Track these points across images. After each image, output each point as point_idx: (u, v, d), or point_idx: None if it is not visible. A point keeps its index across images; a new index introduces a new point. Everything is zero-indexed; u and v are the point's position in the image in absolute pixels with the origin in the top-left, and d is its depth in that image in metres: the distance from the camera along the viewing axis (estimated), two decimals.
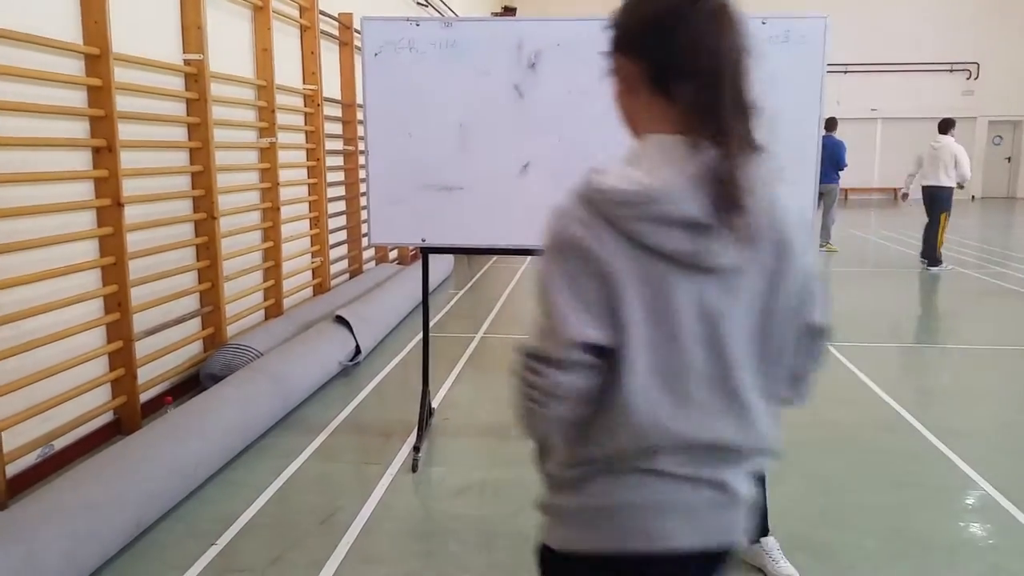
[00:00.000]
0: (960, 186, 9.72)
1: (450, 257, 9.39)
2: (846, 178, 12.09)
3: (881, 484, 3.67)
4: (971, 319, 7.51)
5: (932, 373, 5.59)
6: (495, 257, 10.71)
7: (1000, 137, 21.61)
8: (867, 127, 21.29)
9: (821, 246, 11.43)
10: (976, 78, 21.20)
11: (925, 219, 9.82)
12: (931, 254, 9.74)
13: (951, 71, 21.23)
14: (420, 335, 4.77)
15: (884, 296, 8.36)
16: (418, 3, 11.13)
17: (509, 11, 18.33)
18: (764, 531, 2.98)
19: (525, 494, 3.43)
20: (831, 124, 11.40)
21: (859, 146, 20.20)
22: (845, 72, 20.60)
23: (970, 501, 3.51)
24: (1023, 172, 21.39)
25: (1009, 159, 21.73)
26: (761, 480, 2.96)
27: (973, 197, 21.34)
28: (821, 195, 11.17)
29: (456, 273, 9.56)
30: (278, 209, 6.07)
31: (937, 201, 9.70)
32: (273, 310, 6.07)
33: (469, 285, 8.96)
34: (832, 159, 10.94)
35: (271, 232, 6.06)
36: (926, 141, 16.56)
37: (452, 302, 7.93)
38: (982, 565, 2.96)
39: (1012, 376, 5.56)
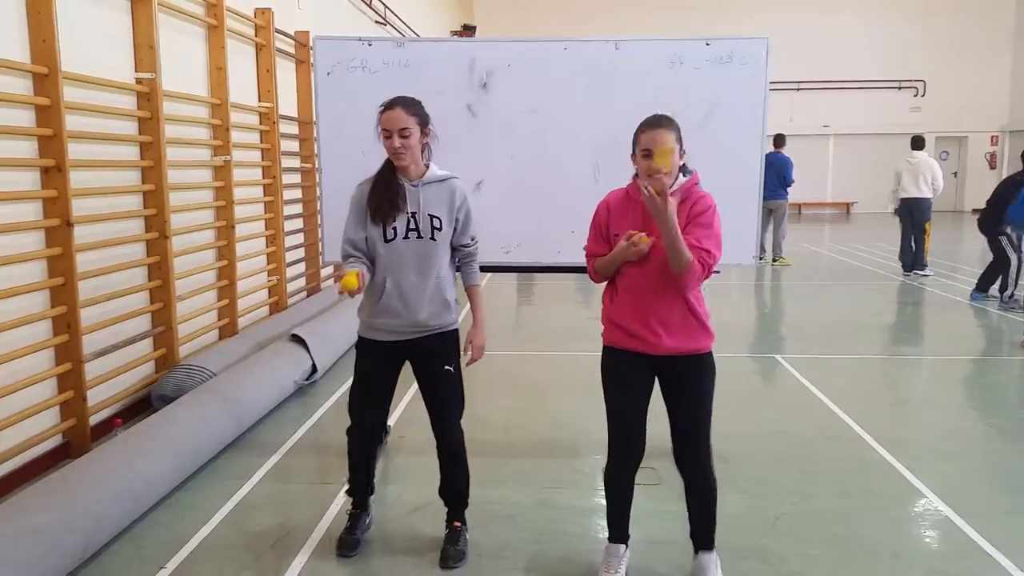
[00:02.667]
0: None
1: None
2: (799, 193, 12.35)
3: (828, 493, 3.75)
4: (918, 330, 7.72)
5: (878, 383, 5.73)
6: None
7: (947, 152, 22.25)
8: (819, 143, 21.79)
9: (774, 260, 11.66)
10: (923, 95, 21.85)
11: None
12: (919, 260, 10.32)
13: (899, 88, 21.86)
14: None
15: (835, 308, 8.54)
16: (377, 22, 11.17)
17: (469, 30, 18.45)
18: (707, 546, 2.97)
19: (479, 511, 3.45)
20: (779, 141, 11.66)
21: (811, 162, 20.68)
22: (798, 89, 21.09)
23: (913, 508, 3.61)
24: (969, 186, 22.04)
25: (956, 174, 22.36)
26: (708, 499, 2.94)
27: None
28: (770, 211, 11.43)
29: None
30: (233, 227, 6.03)
31: (918, 212, 10.31)
32: (227, 330, 6.02)
33: None
34: (779, 175, 11.21)
35: (225, 251, 6.02)
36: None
37: None
38: (924, 569, 3.05)
39: (954, 385, 5.73)
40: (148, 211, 4.94)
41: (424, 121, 3.03)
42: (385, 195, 2.99)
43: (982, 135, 22.02)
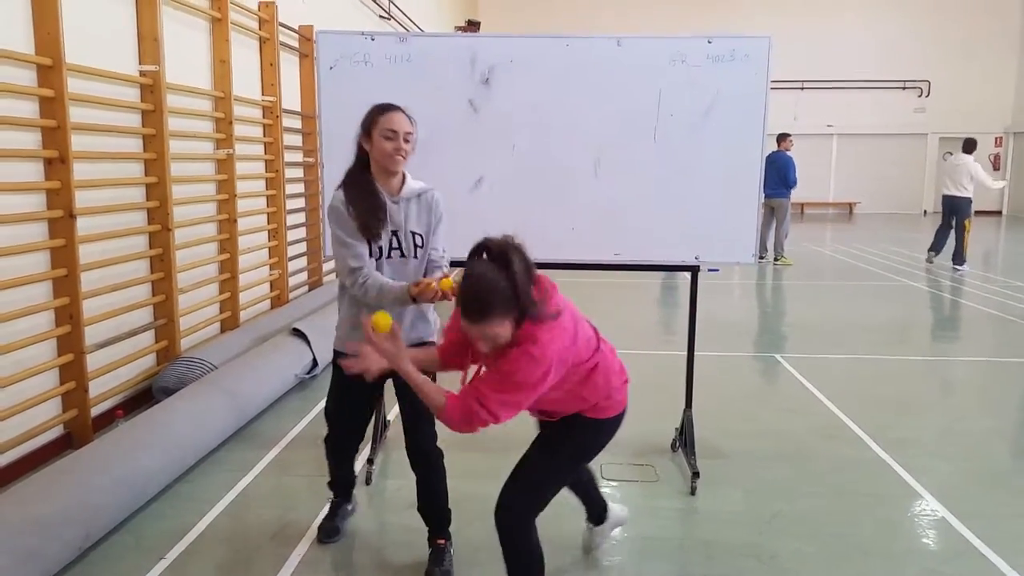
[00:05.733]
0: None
1: None
2: (802, 192, 12.35)
3: (825, 492, 3.76)
4: (919, 330, 7.72)
5: (878, 383, 5.72)
6: (456, 270, 10.74)
7: (950, 152, 22.14)
8: (823, 142, 21.73)
9: (776, 259, 11.65)
10: (927, 96, 21.79)
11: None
12: (958, 255, 11.10)
13: (904, 88, 21.79)
14: None
15: (835, 308, 8.54)
16: (380, 16, 11.17)
17: (473, 25, 18.42)
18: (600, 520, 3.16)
19: (478, 505, 3.45)
20: (782, 139, 11.64)
21: (815, 161, 20.65)
22: (802, 88, 21.05)
23: (910, 508, 3.62)
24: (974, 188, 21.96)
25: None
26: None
27: (925, 212, 21.89)
28: (772, 209, 11.44)
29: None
30: (235, 221, 6.04)
31: (957, 210, 11.17)
32: (229, 323, 6.04)
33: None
34: (780, 174, 11.23)
35: (227, 244, 6.03)
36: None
37: None
38: (918, 569, 3.06)
39: (952, 385, 5.74)
40: (151, 203, 4.96)
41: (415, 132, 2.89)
42: (369, 211, 2.83)
43: (986, 136, 21.94)
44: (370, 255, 2.86)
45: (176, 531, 3.31)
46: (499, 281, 2.13)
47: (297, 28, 7.68)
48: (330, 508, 3.37)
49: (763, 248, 11.51)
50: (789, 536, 3.31)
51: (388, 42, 4.08)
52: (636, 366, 5.81)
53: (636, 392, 5.24)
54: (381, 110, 2.86)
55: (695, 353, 4.10)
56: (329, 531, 3.26)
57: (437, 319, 3.11)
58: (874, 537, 3.32)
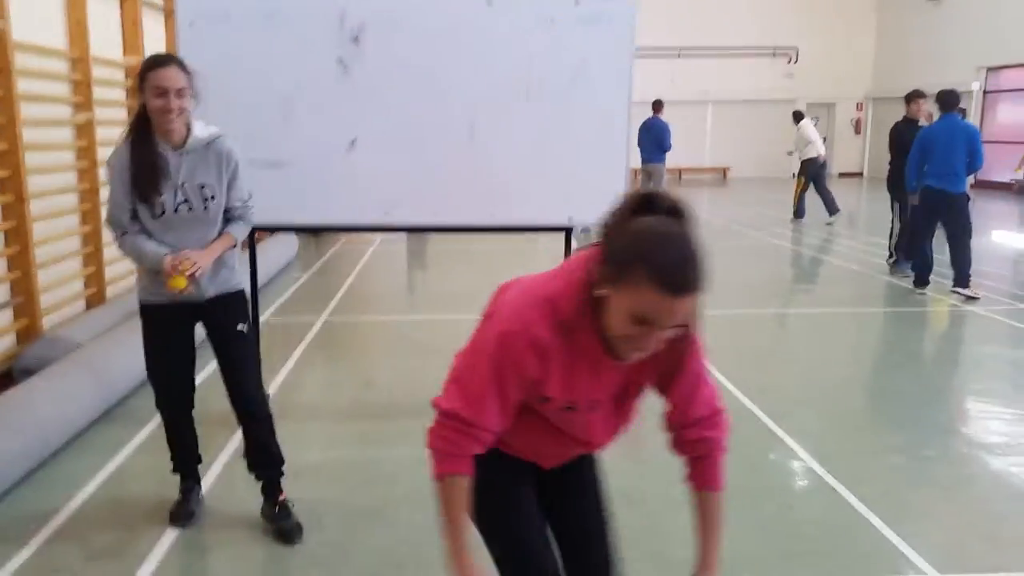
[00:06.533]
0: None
1: (294, 238, 9.18)
2: (678, 158, 12.78)
3: None
4: (783, 286, 8.18)
5: (745, 336, 6.05)
6: (343, 237, 10.58)
7: (817, 118, 23.33)
8: (698, 109, 22.44)
9: None
10: (796, 62, 22.80)
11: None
12: (830, 205, 12.30)
13: (774, 55, 22.72)
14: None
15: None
16: None
17: None
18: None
19: (360, 474, 3.47)
20: (658, 106, 11.97)
21: (691, 127, 21.30)
22: (679, 55, 21.60)
23: (770, 450, 3.87)
24: (837, 151, 23.26)
25: (825, 139, 23.52)
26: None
27: (794, 175, 23.02)
28: (649, 174, 11.81)
29: (302, 255, 9.38)
30: (97, 190, 5.73)
31: (804, 172, 12.79)
32: (95, 298, 5.75)
33: (315, 267, 8.81)
34: (656, 140, 11.57)
35: (90, 215, 5.72)
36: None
37: (296, 285, 7.79)
38: (774, 505, 3.30)
39: (814, 336, 6.13)
40: (2, 172, 4.63)
41: (193, 83, 2.75)
42: (145, 167, 2.70)
43: (848, 102, 23.23)
44: (155, 214, 2.76)
45: (42, 515, 3.17)
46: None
47: None
48: (181, 494, 3.21)
49: None
50: (659, 481, 3.47)
51: None
52: None
53: None
54: (150, 65, 2.68)
55: None
56: (181, 515, 3.13)
57: (236, 264, 3.03)
58: (736, 478, 3.46)
